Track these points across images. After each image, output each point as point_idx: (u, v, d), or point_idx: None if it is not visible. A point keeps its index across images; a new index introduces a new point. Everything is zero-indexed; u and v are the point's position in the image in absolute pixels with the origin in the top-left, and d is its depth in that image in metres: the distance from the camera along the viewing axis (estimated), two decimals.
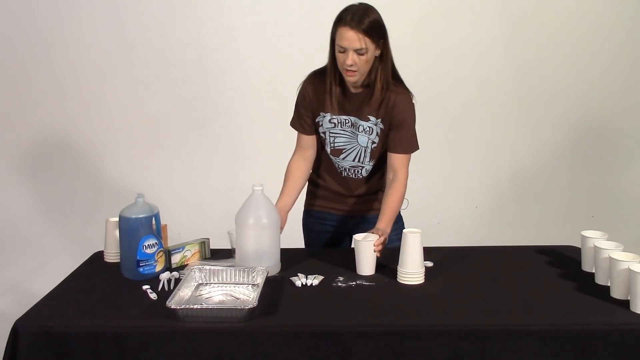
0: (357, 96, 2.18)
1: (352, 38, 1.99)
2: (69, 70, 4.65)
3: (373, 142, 2.21)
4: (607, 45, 4.86)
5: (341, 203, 2.35)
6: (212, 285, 1.84)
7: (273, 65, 4.60)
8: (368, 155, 2.23)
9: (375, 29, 2.02)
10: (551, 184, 4.92)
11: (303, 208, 2.46)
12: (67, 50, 4.63)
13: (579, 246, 2.05)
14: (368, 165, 2.26)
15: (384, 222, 2.11)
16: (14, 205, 4.63)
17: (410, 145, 2.20)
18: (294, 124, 2.31)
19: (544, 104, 4.91)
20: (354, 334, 1.58)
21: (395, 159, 2.20)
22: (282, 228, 2.09)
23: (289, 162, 2.32)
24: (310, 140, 2.29)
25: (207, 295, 1.78)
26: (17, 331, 1.56)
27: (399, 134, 2.18)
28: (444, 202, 4.76)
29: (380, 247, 1.98)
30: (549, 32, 4.81)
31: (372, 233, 2.03)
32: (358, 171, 2.27)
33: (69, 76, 4.66)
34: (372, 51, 2.05)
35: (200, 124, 4.77)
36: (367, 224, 2.24)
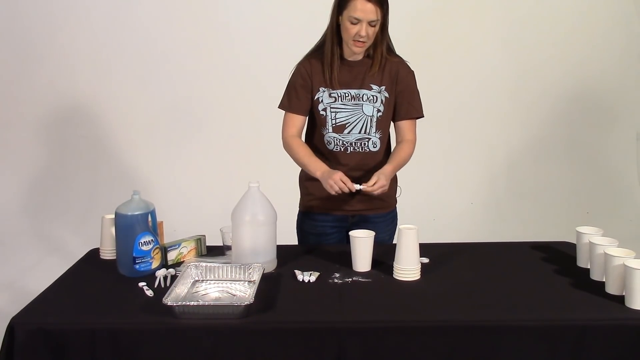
0: (357, 68, 2.21)
1: (369, 10, 2.04)
2: (64, 68, 4.64)
3: (379, 111, 2.21)
4: (604, 44, 4.87)
5: (342, 201, 2.25)
6: (208, 282, 1.84)
7: (268, 63, 4.59)
8: (374, 125, 2.22)
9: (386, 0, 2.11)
10: (546, 180, 4.93)
11: (298, 209, 2.41)
12: (63, 48, 4.62)
13: (574, 242, 2.06)
14: (375, 137, 2.23)
15: (389, 167, 2.13)
16: (10, 203, 4.62)
17: (416, 110, 2.26)
18: (287, 105, 2.26)
19: (539, 100, 4.92)
20: (350, 330, 1.58)
21: (403, 126, 2.26)
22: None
23: (289, 139, 2.25)
24: (302, 121, 2.27)
25: (203, 292, 1.78)
26: (14, 328, 1.56)
27: (405, 100, 2.23)
28: (440, 198, 4.77)
29: (375, 188, 2.03)
30: (546, 29, 4.81)
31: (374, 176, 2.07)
32: (365, 144, 2.23)
33: (65, 73, 4.65)
34: (381, 21, 2.10)
35: (195, 121, 4.77)
36: (368, 224, 2.20)
